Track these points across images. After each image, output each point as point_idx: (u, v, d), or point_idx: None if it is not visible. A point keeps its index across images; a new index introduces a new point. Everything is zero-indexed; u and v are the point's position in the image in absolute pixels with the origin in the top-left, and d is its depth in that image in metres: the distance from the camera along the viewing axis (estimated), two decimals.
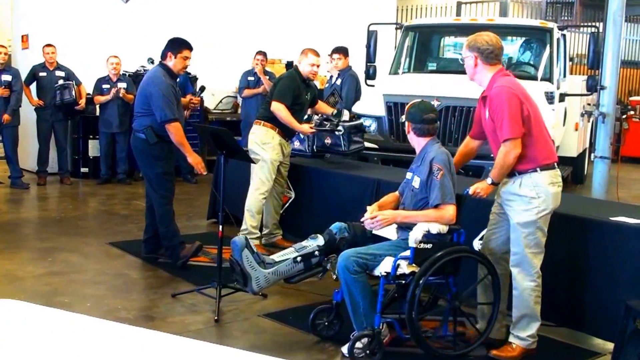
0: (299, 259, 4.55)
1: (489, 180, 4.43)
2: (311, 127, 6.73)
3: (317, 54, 6.73)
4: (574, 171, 10.73)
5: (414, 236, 4.24)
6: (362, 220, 4.55)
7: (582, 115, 10.44)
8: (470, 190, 4.47)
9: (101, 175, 10.45)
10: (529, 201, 4.32)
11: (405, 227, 4.48)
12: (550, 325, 4.82)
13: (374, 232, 4.63)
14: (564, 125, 9.56)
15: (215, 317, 5.01)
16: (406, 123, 4.60)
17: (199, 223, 8.03)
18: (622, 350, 3.90)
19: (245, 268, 4.44)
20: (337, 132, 6.73)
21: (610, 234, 4.50)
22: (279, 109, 6.52)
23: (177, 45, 6.08)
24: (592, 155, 8.22)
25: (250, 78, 10.76)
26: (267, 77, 10.53)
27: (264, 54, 10.82)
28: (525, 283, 4.38)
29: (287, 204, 7.04)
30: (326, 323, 4.71)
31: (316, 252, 4.58)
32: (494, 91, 4.34)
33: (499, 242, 4.59)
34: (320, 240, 4.63)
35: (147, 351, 2.17)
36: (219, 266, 5.30)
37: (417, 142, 4.60)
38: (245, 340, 4.72)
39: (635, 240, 4.36)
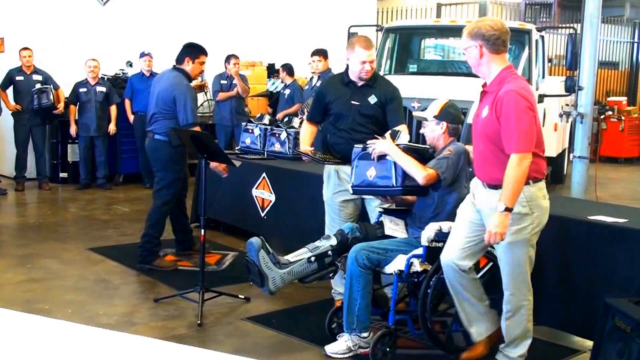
0: (312, 259, 4.57)
1: (500, 207, 3.80)
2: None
3: (367, 46, 5.04)
4: (554, 171, 10.79)
5: (427, 235, 4.28)
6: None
7: (561, 115, 10.52)
8: (487, 238, 3.89)
9: (80, 180, 10.37)
10: (522, 218, 3.93)
11: (417, 227, 4.54)
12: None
13: (386, 232, 4.69)
14: (543, 126, 9.60)
15: (199, 322, 5.00)
16: (441, 123, 4.57)
17: None
18: (601, 347, 3.94)
19: (262, 268, 4.46)
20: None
21: (589, 233, 4.53)
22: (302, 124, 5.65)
23: (196, 51, 6.22)
24: (571, 155, 8.28)
25: (223, 82, 10.69)
26: (226, 82, 10.51)
27: (236, 57, 10.77)
28: (522, 303, 4.13)
29: (268, 208, 7.02)
30: (341, 323, 4.68)
31: (329, 252, 4.62)
32: (508, 95, 3.83)
33: (475, 255, 4.23)
34: (333, 241, 4.66)
35: (130, 356, 2.16)
36: (202, 270, 5.29)
37: (443, 142, 4.61)
38: (229, 344, 4.71)
39: (613, 239, 4.40)
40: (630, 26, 19.42)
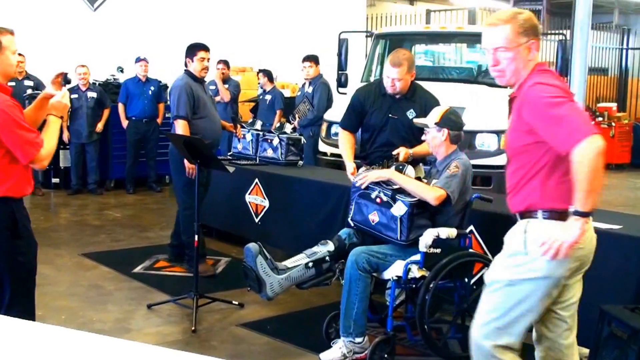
0: (310, 264, 4.56)
1: (570, 210, 2.92)
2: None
3: (395, 63, 4.94)
4: None
5: (424, 241, 4.27)
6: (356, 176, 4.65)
7: None
8: (543, 250, 2.97)
9: (72, 186, 10.34)
10: (513, 255, 3.17)
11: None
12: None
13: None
14: None
15: (193, 328, 4.99)
16: (442, 130, 4.52)
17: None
18: (597, 355, 3.93)
19: (260, 274, 4.45)
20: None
21: None
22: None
23: (192, 49, 6.26)
24: None
25: (212, 87, 10.69)
26: (227, 86, 10.46)
27: (224, 62, 10.76)
28: None
29: (262, 213, 7.01)
30: (338, 329, 4.65)
31: (327, 258, 4.60)
32: (534, 88, 3.04)
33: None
34: (330, 246, 4.65)
35: None
36: (196, 276, 5.29)
37: (445, 149, 4.56)
38: (224, 350, 4.71)
39: (607, 245, 4.39)
40: (619, 32, 19.55)
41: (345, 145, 5.31)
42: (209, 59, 6.24)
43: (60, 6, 11.15)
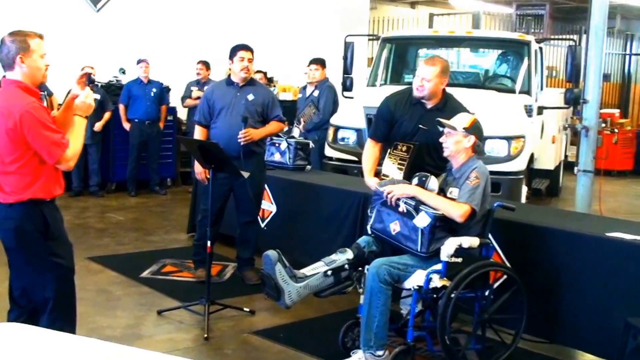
0: (329, 272, 4.46)
1: None
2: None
3: (429, 63, 4.86)
4: (550, 184, 10.77)
5: (446, 250, 4.19)
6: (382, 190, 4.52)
7: (566, 128, 10.48)
8: None
9: (73, 188, 10.22)
10: None
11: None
12: (545, 342, 4.79)
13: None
14: (541, 138, 9.59)
15: (205, 335, 4.90)
16: (469, 136, 4.44)
17: (177, 237, 7.87)
18: None
19: (279, 282, 4.35)
20: None
21: (608, 250, 4.46)
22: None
23: (232, 51, 6.12)
24: (575, 168, 8.16)
25: (194, 88, 10.61)
26: (197, 88, 10.41)
27: (204, 63, 10.71)
28: None
29: (269, 219, 6.92)
30: (355, 338, 4.58)
31: (346, 266, 4.50)
32: None
33: None
34: (349, 254, 4.55)
35: None
36: (208, 282, 5.22)
37: (465, 156, 4.47)
38: (238, 358, 4.64)
39: (633, 257, 4.34)
40: (622, 38, 19.52)
41: (369, 158, 5.16)
42: (250, 59, 6.01)
43: (63, 7, 11.05)
